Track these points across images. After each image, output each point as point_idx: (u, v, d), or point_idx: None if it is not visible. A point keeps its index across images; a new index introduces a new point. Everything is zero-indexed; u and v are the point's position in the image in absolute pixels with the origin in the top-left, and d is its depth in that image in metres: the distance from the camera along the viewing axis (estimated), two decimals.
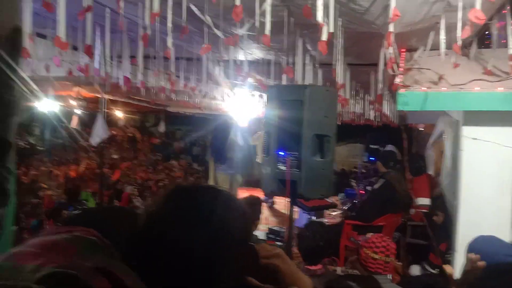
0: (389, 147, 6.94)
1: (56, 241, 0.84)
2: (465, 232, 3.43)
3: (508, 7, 3.16)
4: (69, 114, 11.90)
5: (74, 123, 9.86)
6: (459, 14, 2.49)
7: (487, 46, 4.98)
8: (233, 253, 0.96)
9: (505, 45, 3.39)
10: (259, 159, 7.20)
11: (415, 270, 4.59)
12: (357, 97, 6.72)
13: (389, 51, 2.95)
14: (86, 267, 0.76)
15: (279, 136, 3.07)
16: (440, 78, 3.13)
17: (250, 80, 4.92)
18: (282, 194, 3.12)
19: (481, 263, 2.13)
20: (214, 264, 0.92)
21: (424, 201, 4.61)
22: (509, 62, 3.01)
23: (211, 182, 6.21)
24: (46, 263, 0.75)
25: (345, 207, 6.41)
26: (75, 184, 10.88)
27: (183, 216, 0.92)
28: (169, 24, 2.94)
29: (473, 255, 2.17)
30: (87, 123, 11.58)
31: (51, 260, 0.76)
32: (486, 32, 4.19)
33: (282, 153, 3.07)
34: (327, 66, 4.75)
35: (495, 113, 3.16)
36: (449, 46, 3.17)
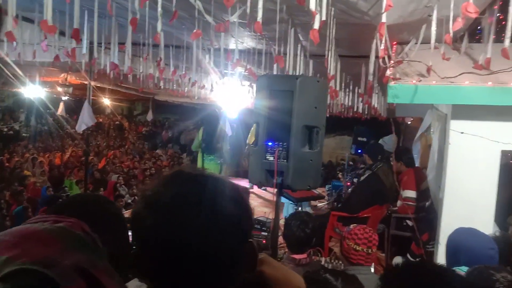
0: (385, 139, 6.99)
1: (37, 231, 0.75)
2: (449, 224, 3.46)
3: (500, 2, 3.17)
4: (55, 101, 11.73)
5: (60, 109, 9.72)
6: (452, 5, 2.48)
7: (478, 41, 5.02)
8: (241, 248, 0.89)
9: (496, 40, 3.41)
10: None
11: (398, 261, 4.64)
12: (347, 89, 6.72)
13: (381, 42, 2.93)
14: (64, 266, 0.68)
15: (268, 126, 3.05)
16: (428, 70, 3.13)
17: (240, 69, 4.88)
18: (269, 184, 3.11)
19: None
20: (222, 260, 0.85)
21: (411, 193, 4.66)
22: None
23: None
24: (19, 255, 0.67)
25: (332, 199, 6.46)
26: (59, 171, 10.76)
27: (188, 204, 0.84)
28: (159, 9, 2.88)
29: None
30: (74, 110, 11.43)
31: (26, 253, 0.67)
32: (478, 27, 4.22)
33: (271, 143, 3.05)
34: (318, 57, 4.74)
35: (483, 108, 3.18)
36: (440, 40, 3.17)
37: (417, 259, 4.38)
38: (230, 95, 7.19)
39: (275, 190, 3.07)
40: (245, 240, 0.91)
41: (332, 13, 3.36)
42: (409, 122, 8.32)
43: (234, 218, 0.87)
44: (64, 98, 10.93)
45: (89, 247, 0.77)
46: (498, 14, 3.56)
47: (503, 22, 3.55)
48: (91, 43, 4.96)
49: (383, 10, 2.19)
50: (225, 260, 0.86)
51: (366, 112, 8.43)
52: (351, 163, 8.70)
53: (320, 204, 6.57)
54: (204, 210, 0.84)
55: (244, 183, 8.51)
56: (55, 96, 12.16)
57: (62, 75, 9.33)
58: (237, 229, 0.88)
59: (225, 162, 6.32)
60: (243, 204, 0.92)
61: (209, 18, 3.06)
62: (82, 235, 0.78)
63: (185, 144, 17.73)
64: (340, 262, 3.21)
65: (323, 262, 3.35)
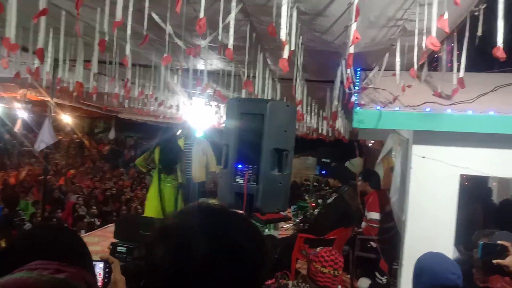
0: (352, 161, 7.14)
1: (37, 282, 0.68)
2: (412, 246, 3.58)
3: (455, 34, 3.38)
4: (12, 117, 11.25)
5: (18, 126, 9.34)
6: (416, 40, 2.63)
7: (435, 68, 5.30)
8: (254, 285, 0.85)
9: (451, 69, 3.61)
10: (212, 168, 7.09)
11: (364, 283, 4.72)
12: (312, 113, 6.87)
13: (347, 71, 3.05)
14: None
15: (238, 149, 3.06)
16: (394, 99, 3.27)
17: (208, 90, 4.89)
18: (238, 207, 3.09)
19: None
20: None
21: (375, 215, 4.78)
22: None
23: (154, 193, 5.90)
24: None
25: (297, 220, 6.50)
26: (14, 191, 10.25)
27: (202, 238, 0.82)
28: (129, 31, 2.87)
29: None
30: (32, 127, 11.00)
31: None
32: (435, 56, 4.46)
33: (241, 166, 3.06)
34: (285, 80, 4.84)
35: (443, 133, 3.35)
36: (402, 67, 3.34)
37: (385, 278, 4.48)
38: (197, 114, 7.16)
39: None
40: (260, 279, 0.88)
41: (300, 41, 3.46)
42: (370, 145, 8.59)
43: (249, 255, 0.85)
44: (22, 115, 10.51)
45: None
46: (452, 44, 3.80)
47: (458, 52, 3.78)
48: (55, 60, 4.85)
49: (350, 43, 2.28)
50: None
51: (330, 134, 8.62)
52: (315, 183, 8.83)
53: (286, 225, 6.60)
54: (219, 245, 0.82)
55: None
56: (12, 112, 11.67)
57: (21, 91, 9.00)
58: (252, 269, 0.85)
59: (182, 185, 6.09)
60: (261, 247, 0.88)
61: (180, 43, 3.08)
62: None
63: (148, 163, 17.37)
64: (307, 285, 3.22)
65: (290, 286, 3.35)
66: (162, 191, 5.79)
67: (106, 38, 2.95)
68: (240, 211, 2.86)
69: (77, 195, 10.08)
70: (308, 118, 6.55)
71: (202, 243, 0.82)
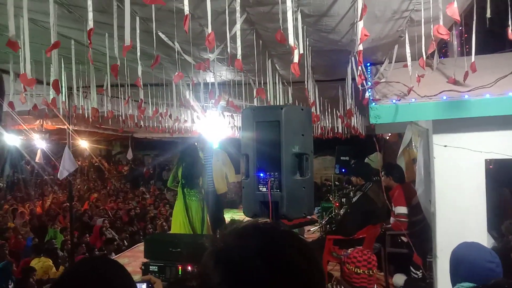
0: (371, 157, 7.07)
1: None
2: (443, 237, 3.51)
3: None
4: (31, 148, 11.50)
5: (38, 157, 9.52)
6: (423, 29, 2.59)
7: (445, 54, 5.22)
8: None
9: (462, 53, 3.56)
10: (231, 179, 7.12)
11: (399, 278, 4.64)
12: (326, 112, 6.84)
13: (358, 68, 3.03)
14: None
15: (258, 158, 3.06)
16: (409, 90, 3.23)
17: (221, 102, 4.92)
18: (264, 216, 3.08)
19: None
20: None
21: (402, 209, 4.70)
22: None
23: (181, 208, 5.96)
24: None
25: (323, 221, 6.45)
26: (41, 220, 10.43)
27: (260, 262, 0.79)
28: (138, 53, 2.91)
29: None
30: (51, 156, 11.21)
31: None
32: (444, 42, 4.40)
33: (262, 175, 3.06)
34: (296, 83, 4.84)
35: (463, 120, 3.29)
36: (412, 57, 3.30)
37: (420, 271, 4.40)
38: (212, 126, 7.21)
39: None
40: None
41: (308, 43, 3.45)
42: (387, 138, 8.50)
43: (305, 276, 0.82)
44: (41, 145, 10.73)
45: None
46: (460, 28, 3.74)
47: (466, 35, 3.73)
48: (68, 88, 4.94)
49: (358, 41, 2.26)
50: None
51: (346, 132, 8.57)
52: (337, 183, 8.77)
53: (313, 228, 6.55)
54: (277, 269, 0.80)
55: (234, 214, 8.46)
56: (30, 143, 11.92)
57: (38, 121, 9.20)
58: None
59: (207, 198, 6.15)
60: (317, 265, 0.86)
61: (189, 59, 3.11)
62: None
63: (167, 179, 17.51)
64: (343, 287, 3.18)
65: None
66: (188, 205, 5.84)
67: (118, 63, 3.00)
68: (269, 220, 2.85)
69: (103, 218, 10.19)
70: (323, 118, 6.52)
71: (260, 267, 0.79)
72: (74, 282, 1.13)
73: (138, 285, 1.46)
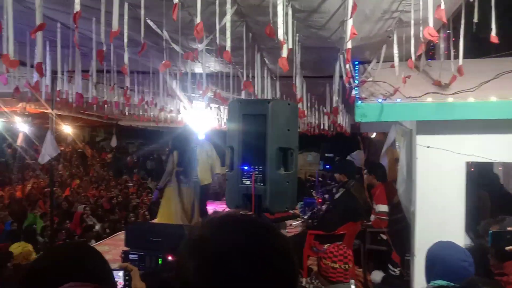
0: (352, 155, 7.15)
1: None
2: (422, 236, 3.57)
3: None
4: (13, 131, 11.29)
5: (20, 140, 9.36)
6: (412, 31, 2.62)
7: (432, 56, 5.27)
8: None
9: (449, 56, 3.60)
10: (217, 170, 7.17)
11: (377, 275, 4.72)
12: (312, 108, 6.86)
13: (346, 66, 3.04)
14: None
15: (243, 151, 3.06)
16: (395, 91, 3.26)
17: (208, 93, 4.89)
18: (246, 208, 3.10)
19: None
20: None
21: (383, 207, 4.77)
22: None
23: (175, 194, 6.02)
24: None
25: (305, 216, 6.50)
26: (21, 205, 10.28)
27: (233, 254, 0.80)
28: (126, 40, 2.87)
29: None
30: (33, 140, 11.03)
31: None
32: (431, 44, 4.45)
33: (247, 167, 3.06)
34: (284, 78, 4.84)
35: (446, 122, 3.34)
36: (400, 58, 3.33)
37: (398, 269, 4.48)
38: (198, 117, 7.18)
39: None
40: None
41: (297, 39, 3.45)
42: (372, 137, 8.57)
43: (280, 274, 0.82)
44: (23, 128, 10.53)
45: None
46: (448, 31, 3.78)
47: (453, 39, 3.77)
48: (53, 73, 4.85)
49: (347, 38, 2.27)
50: None
51: (332, 129, 8.62)
52: (321, 179, 8.84)
53: (295, 222, 6.60)
54: (252, 264, 0.80)
55: (217, 206, 8.46)
56: (12, 126, 11.70)
57: (20, 104, 9.02)
58: (284, 283, 0.83)
59: (196, 186, 6.23)
60: (292, 262, 0.86)
61: (177, 48, 3.08)
62: None
63: (151, 168, 17.39)
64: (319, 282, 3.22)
65: (304, 283, 3.35)
66: (182, 192, 5.94)
67: (104, 48, 2.95)
68: (250, 212, 2.87)
69: (84, 205, 10.10)
70: (309, 114, 6.54)
71: (235, 260, 0.80)
72: (49, 267, 1.12)
73: (114, 272, 1.45)
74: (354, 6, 2.11)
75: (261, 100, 3.75)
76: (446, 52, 3.72)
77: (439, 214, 3.50)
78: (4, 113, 10.05)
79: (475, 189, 4.25)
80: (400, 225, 4.59)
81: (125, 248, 3.99)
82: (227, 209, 3.53)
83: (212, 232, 0.86)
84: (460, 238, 3.33)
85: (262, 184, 2.98)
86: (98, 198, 11.70)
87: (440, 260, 2.37)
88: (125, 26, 2.83)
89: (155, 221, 6.64)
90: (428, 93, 3.19)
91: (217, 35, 2.65)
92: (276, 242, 0.86)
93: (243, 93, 4.17)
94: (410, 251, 3.85)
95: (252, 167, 3.02)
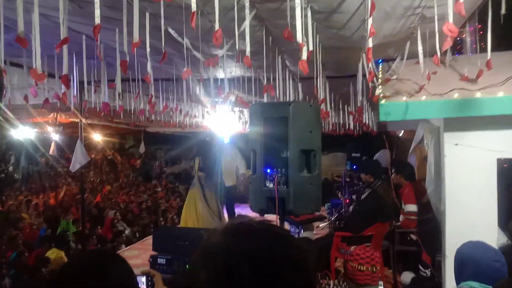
0: (377, 155, 7.03)
1: None
2: (453, 236, 3.47)
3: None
4: (45, 141, 11.67)
5: (52, 149, 9.66)
6: (436, 26, 2.56)
7: (459, 51, 5.13)
8: None
9: (476, 50, 3.50)
10: (243, 170, 7.22)
11: (407, 276, 4.62)
12: (336, 108, 6.79)
13: (369, 64, 2.99)
14: None
15: (265, 154, 3.07)
16: (421, 88, 3.18)
17: (231, 98, 4.93)
18: (270, 211, 3.09)
19: None
20: None
21: (412, 207, 4.67)
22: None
23: (199, 200, 6.14)
24: None
25: (332, 218, 6.43)
26: (55, 212, 10.61)
27: (245, 262, 0.79)
28: (148, 49, 2.92)
29: None
30: (65, 149, 11.37)
31: None
32: (458, 38, 4.33)
33: (269, 170, 3.06)
34: (306, 80, 4.81)
35: (474, 118, 3.24)
36: (424, 54, 3.25)
37: (429, 270, 4.36)
38: (221, 122, 7.24)
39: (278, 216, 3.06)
40: None
41: (317, 40, 3.43)
42: (400, 135, 8.41)
43: (291, 285, 0.81)
44: (55, 137, 10.88)
45: None
46: (476, 24, 3.67)
47: (481, 32, 3.66)
48: (80, 83, 4.99)
49: (368, 36, 2.24)
50: None
51: (357, 128, 8.51)
52: (347, 179, 8.74)
53: (322, 224, 6.54)
54: (262, 275, 0.79)
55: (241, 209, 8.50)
56: (45, 136, 12.10)
57: (52, 115, 9.32)
58: None
59: (219, 190, 6.35)
60: (306, 273, 0.84)
61: (198, 55, 3.11)
62: None
63: (179, 173, 17.62)
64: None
65: (332, 286, 3.31)
66: (205, 195, 6.07)
67: (127, 59, 3.01)
68: (268, 219, 2.86)
69: (114, 211, 10.32)
70: (333, 115, 6.48)
71: (245, 271, 0.79)
72: (74, 274, 1.16)
73: (138, 277, 1.48)
74: (373, 5, 2.08)
75: (282, 103, 3.75)
76: (474, 46, 3.62)
77: (470, 213, 3.40)
78: (37, 124, 10.42)
79: (508, 186, 4.11)
80: (430, 225, 4.48)
81: (153, 253, 4.06)
82: (251, 213, 3.53)
83: (226, 242, 0.85)
84: (493, 237, 3.22)
85: (285, 186, 2.97)
86: (128, 203, 11.94)
87: (470, 261, 2.29)
88: (147, 36, 2.88)
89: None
90: (454, 89, 3.10)
91: (237, 40, 2.66)
92: (289, 252, 0.84)
93: (265, 96, 4.17)
94: (441, 252, 3.74)
95: (274, 170, 3.02)
